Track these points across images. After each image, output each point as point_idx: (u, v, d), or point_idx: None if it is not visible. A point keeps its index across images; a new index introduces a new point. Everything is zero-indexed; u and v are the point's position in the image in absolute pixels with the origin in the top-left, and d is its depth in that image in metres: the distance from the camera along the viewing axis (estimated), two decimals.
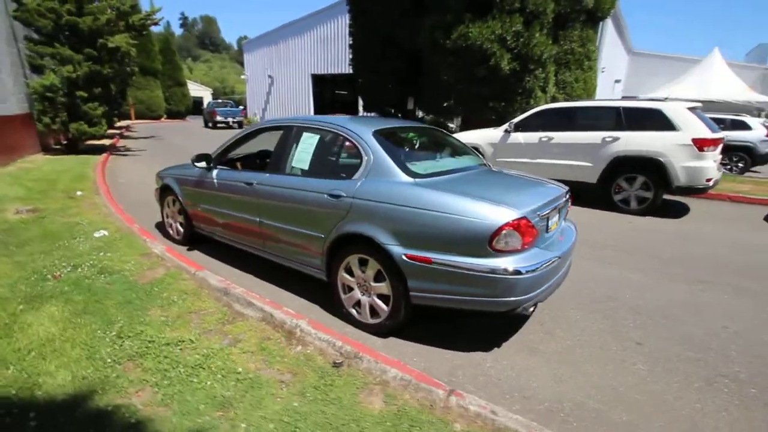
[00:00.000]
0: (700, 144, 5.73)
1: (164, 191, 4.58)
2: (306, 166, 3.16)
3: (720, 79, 18.75)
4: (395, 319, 2.68)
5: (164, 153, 12.77)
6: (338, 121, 3.20)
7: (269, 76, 26.87)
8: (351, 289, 2.90)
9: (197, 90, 47.37)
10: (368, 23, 12.82)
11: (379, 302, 2.74)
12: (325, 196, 2.87)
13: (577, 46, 12.25)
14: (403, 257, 2.50)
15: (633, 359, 2.60)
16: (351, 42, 14.26)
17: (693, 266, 4.18)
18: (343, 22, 22.13)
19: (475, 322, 2.99)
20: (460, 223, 2.35)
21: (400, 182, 2.65)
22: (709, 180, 5.87)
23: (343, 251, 2.85)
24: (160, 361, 2.34)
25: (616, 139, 6.32)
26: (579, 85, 12.81)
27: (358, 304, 2.88)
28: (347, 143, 3.01)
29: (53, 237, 4.35)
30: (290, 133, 3.35)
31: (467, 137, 8.06)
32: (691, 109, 6.03)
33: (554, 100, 11.93)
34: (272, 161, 3.47)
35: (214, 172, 3.86)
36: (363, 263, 2.77)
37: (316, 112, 25.67)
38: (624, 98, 17.73)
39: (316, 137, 3.19)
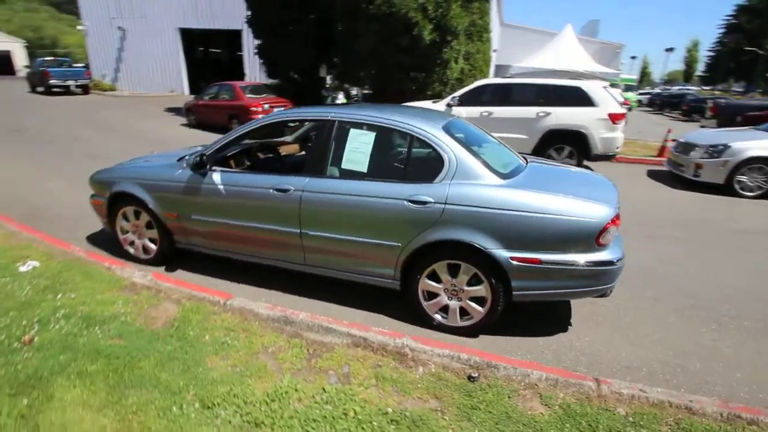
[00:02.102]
0: (614, 118, 6.87)
1: (117, 201, 3.54)
2: (363, 168, 2.81)
3: (571, 52, 22.29)
4: (491, 318, 2.71)
5: (13, 136, 9.66)
6: (395, 116, 2.88)
7: (119, 28, 21.89)
8: (434, 295, 2.79)
9: (1, 42, 36.02)
10: None
11: (473, 305, 2.72)
12: (405, 202, 2.63)
13: (477, 18, 12.99)
14: (509, 260, 2.51)
15: (665, 315, 3.17)
16: None
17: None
18: None
19: (529, 308, 3.20)
20: (570, 223, 2.45)
21: (493, 185, 2.59)
22: (618, 147, 7.14)
23: (427, 258, 2.70)
24: (291, 425, 1.95)
25: (547, 114, 7.12)
26: (480, 56, 13.77)
27: (443, 309, 2.81)
28: (417, 143, 2.76)
29: None
30: (330, 129, 2.90)
31: None
32: (604, 87, 7.12)
33: (462, 71, 12.65)
34: (310, 162, 2.98)
35: (215, 176, 3.14)
36: (452, 269, 2.68)
37: (191, 75, 22.18)
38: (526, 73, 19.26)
39: (371, 135, 2.84)
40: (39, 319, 2.61)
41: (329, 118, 2.94)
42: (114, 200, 3.55)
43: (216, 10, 19.91)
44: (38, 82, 19.45)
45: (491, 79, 8.07)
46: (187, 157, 3.51)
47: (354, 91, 13.09)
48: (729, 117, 12.22)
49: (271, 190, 2.95)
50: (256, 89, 11.66)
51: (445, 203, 2.57)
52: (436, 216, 2.59)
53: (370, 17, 9.84)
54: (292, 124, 4.38)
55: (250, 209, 3.07)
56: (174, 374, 2.23)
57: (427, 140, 2.72)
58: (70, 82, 19.34)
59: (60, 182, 6.11)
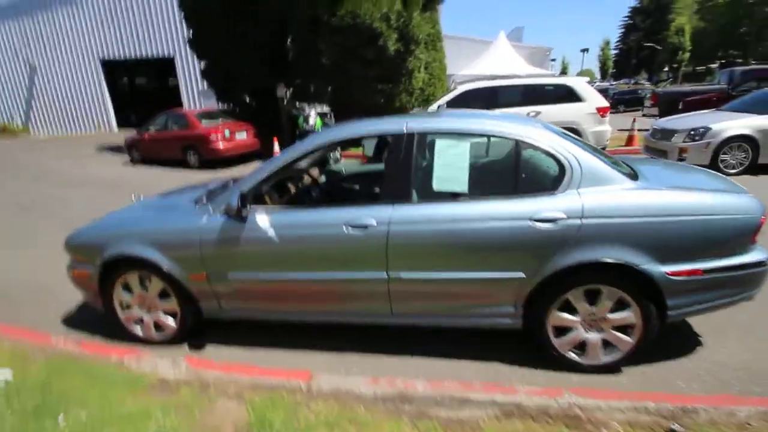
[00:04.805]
0: (602, 111, 6.95)
1: (114, 269, 2.66)
2: (462, 187, 2.27)
3: (508, 57, 23.43)
4: (639, 347, 2.27)
5: None
6: (484, 121, 2.39)
7: (28, 64, 19.34)
8: (567, 330, 2.30)
9: None
10: None
11: (619, 335, 2.26)
12: (528, 223, 2.13)
13: (430, 27, 13.04)
14: (666, 275, 2.09)
15: None
16: (185, 14, 11.42)
17: None
18: None
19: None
20: (728, 222, 2.10)
21: (629, 188, 2.17)
22: (607, 140, 7.23)
23: (559, 287, 2.21)
24: None
25: (538, 113, 7.05)
26: (437, 65, 13.84)
27: (579, 345, 2.32)
28: (525, 148, 2.27)
29: None
30: (410, 144, 2.33)
31: None
32: (588, 83, 7.21)
33: (423, 80, 12.55)
34: (387, 186, 2.38)
35: (260, 219, 2.41)
36: (590, 295, 2.21)
37: (117, 109, 20.08)
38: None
39: (464, 145, 2.31)
40: None
41: (405, 131, 2.37)
42: (109, 267, 2.65)
43: (143, 38, 18.22)
44: None
45: (476, 83, 7.90)
46: (205, 198, 2.75)
47: (324, 108, 12.44)
48: (669, 104, 13.26)
49: (345, 228, 2.30)
50: (211, 115, 10.62)
51: (582, 217, 2.10)
52: (570, 234, 2.11)
53: (333, 29, 9.35)
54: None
55: (315, 256, 2.39)
56: None
57: (536, 144, 2.25)
58: None
59: (0, 246, 4.84)
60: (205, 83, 12.93)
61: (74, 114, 19.71)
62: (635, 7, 56.06)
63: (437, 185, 2.30)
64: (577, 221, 2.10)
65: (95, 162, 11.54)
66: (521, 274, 2.19)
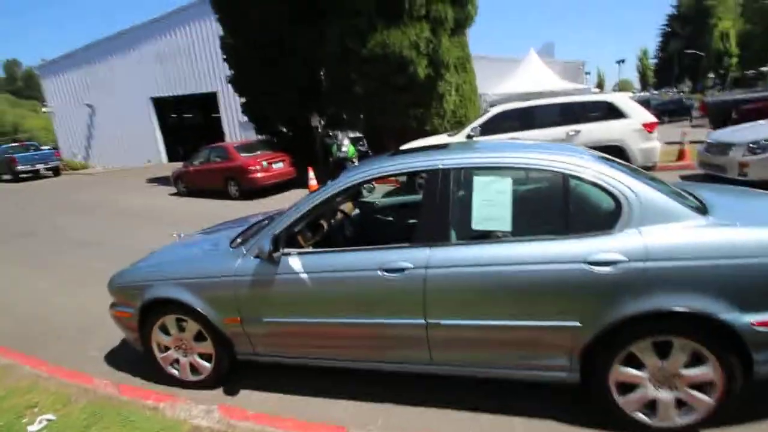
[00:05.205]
0: (649, 127, 6.54)
1: (152, 310, 2.68)
2: (505, 226, 2.11)
3: (540, 74, 23.03)
4: (721, 407, 1.96)
5: None
6: (525, 152, 2.24)
7: (88, 106, 21.22)
8: (633, 387, 2.03)
9: None
10: (250, 32, 11.01)
11: (695, 393, 1.96)
12: (583, 266, 1.93)
13: (459, 51, 13.07)
14: (751, 326, 1.81)
15: None
16: (225, 56, 12.17)
17: None
18: (181, 35, 19.04)
19: None
20: None
21: (701, 225, 1.93)
22: (656, 157, 6.77)
23: (622, 338, 1.96)
24: None
25: (578, 132, 6.75)
26: (467, 86, 13.77)
27: (648, 404, 2.04)
28: (574, 182, 2.09)
29: None
30: (446, 181, 2.21)
31: None
32: (630, 97, 6.84)
33: (454, 103, 12.51)
34: (423, 226, 2.26)
35: (293, 262, 2.36)
36: (661, 347, 1.95)
37: (167, 143, 21.47)
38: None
39: (506, 181, 2.16)
40: None
41: (440, 167, 2.25)
42: (148, 309, 2.68)
43: (188, 77, 19.60)
44: (5, 170, 18.27)
45: (509, 104, 7.72)
46: (239, 239, 2.75)
47: (357, 134, 12.66)
48: (721, 114, 12.39)
49: (380, 272, 2.19)
50: (249, 146, 11.04)
51: (645, 259, 1.87)
52: (633, 279, 1.88)
53: (364, 60, 9.55)
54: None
55: (349, 300, 2.29)
56: None
57: (585, 176, 2.06)
58: (40, 166, 18.30)
59: (52, 281, 5.12)
60: (244, 116, 13.59)
61: (128, 148, 21.28)
62: (672, 15, 54.00)
63: (477, 224, 2.15)
64: (640, 264, 1.87)
65: (144, 194, 12.26)
66: (576, 323, 1.98)
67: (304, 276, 2.32)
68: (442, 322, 2.14)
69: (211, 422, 2.27)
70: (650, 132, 6.56)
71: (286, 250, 2.39)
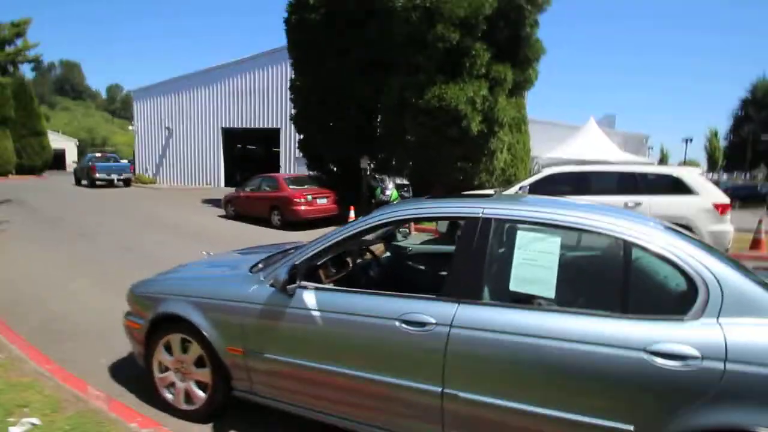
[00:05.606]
0: (722, 209, 5.92)
1: (161, 326, 2.59)
2: (548, 292, 1.83)
3: (599, 142, 22.43)
4: None
5: (45, 226, 9.32)
6: (582, 212, 1.98)
7: (167, 128, 23.50)
8: None
9: (58, 141, 39.52)
10: (319, 78, 11.83)
11: None
12: (642, 354, 1.59)
13: (515, 111, 13.10)
14: None
15: None
16: (292, 96, 13.08)
17: None
18: (257, 76, 21.00)
19: None
20: None
21: None
22: (729, 242, 6.05)
23: None
24: None
25: (638, 203, 6.25)
26: (520, 146, 13.66)
27: None
28: (640, 253, 1.79)
29: None
30: (485, 231, 1.99)
31: None
32: (701, 174, 6.32)
33: (505, 161, 12.38)
34: (453, 278, 2.02)
35: (307, 297, 2.19)
36: None
37: (227, 169, 23.03)
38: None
39: (554, 240, 1.91)
40: None
41: (481, 215, 2.05)
42: (157, 324, 2.59)
43: (258, 112, 21.36)
44: (84, 175, 20.29)
45: (564, 167, 7.43)
46: (261, 265, 2.64)
47: (403, 181, 12.79)
48: None
49: (398, 323, 1.96)
50: (299, 180, 11.44)
51: (726, 360, 1.50)
52: (707, 382, 1.51)
53: (419, 110, 9.79)
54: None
55: (359, 349, 2.06)
56: None
57: (653, 248, 1.76)
58: (114, 176, 20.10)
59: (85, 282, 5.30)
60: (300, 152, 14.31)
61: (192, 170, 23.13)
62: (746, 99, 51.58)
63: (515, 285, 1.88)
64: (719, 365, 1.50)
65: (196, 212, 12.92)
66: (628, 427, 1.60)
67: (316, 314, 2.14)
68: (461, 394, 1.84)
69: None
70: (722, 214, 5.93)
71: (303, 283, 2.23)
